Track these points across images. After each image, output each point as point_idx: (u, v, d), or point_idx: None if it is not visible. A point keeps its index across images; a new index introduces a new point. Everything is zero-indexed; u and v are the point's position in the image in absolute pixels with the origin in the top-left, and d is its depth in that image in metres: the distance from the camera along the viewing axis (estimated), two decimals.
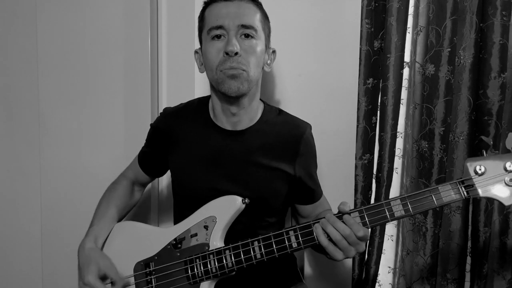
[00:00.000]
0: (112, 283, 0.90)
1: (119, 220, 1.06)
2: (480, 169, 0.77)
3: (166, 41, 1.38)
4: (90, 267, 0.89)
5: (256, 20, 0.93)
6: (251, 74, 0.91)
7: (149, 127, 1.11)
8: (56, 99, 1.39)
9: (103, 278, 0.90)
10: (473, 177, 0.77)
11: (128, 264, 0.93)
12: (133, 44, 1.35)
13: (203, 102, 1.05)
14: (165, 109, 1.10)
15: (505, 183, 0.76)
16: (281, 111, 1.05)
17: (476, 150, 1.34)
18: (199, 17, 0.97)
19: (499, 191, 0.77)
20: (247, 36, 0.91)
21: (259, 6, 0.97)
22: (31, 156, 1.43)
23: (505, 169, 0.77)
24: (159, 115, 1.10)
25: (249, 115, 0.99)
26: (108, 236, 0.99)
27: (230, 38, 0.90)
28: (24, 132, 1.43)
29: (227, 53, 0.89)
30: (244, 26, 0.90)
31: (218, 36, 0.91)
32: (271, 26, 1.01)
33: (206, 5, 0.96)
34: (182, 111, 1.06)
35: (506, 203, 0.77)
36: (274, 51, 1.02)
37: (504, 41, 1.27)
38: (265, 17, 0.97)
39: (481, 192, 0.77)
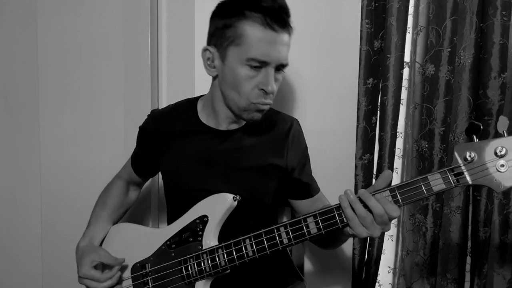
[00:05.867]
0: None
1: (116, 220, 1.07)
2: (470, 156, 0.74)
3: (166, 41, 1.38)
4: (83, 260, 0.91)
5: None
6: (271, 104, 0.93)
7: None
8: (56, 99, 1.39)
9: (101, 268, 0.92)
10: (462, 164, 0.74)
11: (125, 266, 0.94)
12: (133, 44, 1.35)
13: (192, 102, 1.05)
14: (153, 111, 1.09)
15: (496, 168, 0.73)
16: None
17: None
18: (227, 23, 0.88)
19: (490, 178, 0.73)
20: (279, 71, 0.91)
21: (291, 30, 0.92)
22: (31, 156, 1.43)
23: (496, 154, 0.73)
24: (147, 117, 1.09)
25: None
26: (104, 237, 1.00)
27: (270, 76, 0.88)
28: (24, 132, 1.44)
29: (264, 91, 0.88)
30: (283, 66, 0.90)
31: (257, 67, 0.87)
32: None
33: (243, 17, 0.86)
34: (170, 113, 1.05)
35: (498, 190, 0.73)
36: None
37: (504, 41, 1.27)
38: None
39: (471, 179, 0.74)
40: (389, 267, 1.57)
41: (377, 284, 1.52)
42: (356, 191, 1.43)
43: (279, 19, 0.86)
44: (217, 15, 0.91)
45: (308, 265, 1.42)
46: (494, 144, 0.73)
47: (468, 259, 1.43)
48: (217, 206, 0.89)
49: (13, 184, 1.47)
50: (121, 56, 1.36)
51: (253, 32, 0.85)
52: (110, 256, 0.92)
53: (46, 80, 1.39)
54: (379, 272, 1.48)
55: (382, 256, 1.49)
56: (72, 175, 1.40)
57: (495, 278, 1.39)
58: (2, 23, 1.41)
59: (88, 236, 0.97)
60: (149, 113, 1.09)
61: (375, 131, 1.44)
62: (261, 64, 0.87)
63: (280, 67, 0.90)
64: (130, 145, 1.14)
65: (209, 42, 0.93)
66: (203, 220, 0.89)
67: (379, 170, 1.43)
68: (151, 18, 1.34)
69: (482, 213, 1.35)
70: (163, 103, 1.39)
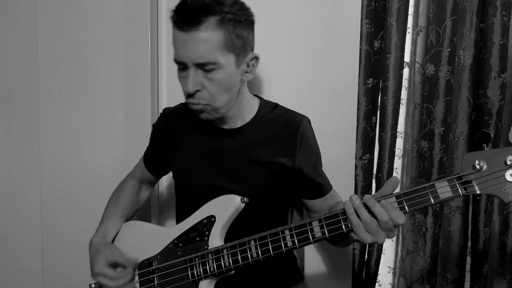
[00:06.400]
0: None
1: (128, 217, 1.09)
2: (479, 164, 0.72)
3: (166, 41, 1.38)
4: (98, 258, 0.93)
5: (215, 50, 0.84)
6: (216, 104, 0.90)
7: (151, 128, 1.12)
8: (56, 99, 1.39)
9: (114, 266, 0.93)
10: (471, 173, 0.73)
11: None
12: (133, 44, 1.35)
13: None
14: (165, 109, 1.12)
15: (505, 178, 0.71)
16: (277, 106, 1.05)
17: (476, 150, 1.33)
18: None
19: (498, 187, 0.72)
20: (207, 70, 0.86)
21: (222, 22, 0.84)
22: (31, 156, 1.43)
23: (506, 164, 0.71)
24: (159, 115, 1.11)
25: (238, 116, 0.99)
26: (116, 234, 1.02)
27: (189, 76, 0.86)
28: (24, 132, 1.44)
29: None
30: (201, 64, 0.85)
31: (181, 68, 0.89)
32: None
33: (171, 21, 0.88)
34: (180, 111, 1.07)
35: (506, 200, 0.72)
36: (256, 58, 0.94)
37: (504, 41, 1.27)
38: (233, 30, 0.86)
39: (479, 188, 0.73)
40: (389, 267, 1.57)
41: (377, 284, 1.52)
42: (356, 191, 1.45)
43: (184, 18, 0.83)
44: None
45: (308, 265, 1.42)
46: (504, 154, 0.72)
47: (468, 259, 1.43)
48: (225, 207, 0.89)
49: (13, 184, 1.47)
50: (121, 56, 1.36)
51: (174, 34, 0.87)
52: (124, 256, 0.94)
53: (46, 80, 1.39)
54: (379, 272, 1.48)
55: (382, 256, 1.49)
56: (72, 175, 1.40)
57: (495, 278, 1.39)
58: (2, 23, 1.41)
59: (101, 232, 0.99)
60: (161, 111, 1.12)
61: (375, 131, 1.44)
62: (181, 65, 0.88)
63: (202, 67, 0.86)
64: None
65: None
66: (210, 221, 0.89)
67: (379, 170, 1.43)
68: (151, 18, 1.34)
69: (482, 213, 1.35)
70: (163, 103, 1.40)
